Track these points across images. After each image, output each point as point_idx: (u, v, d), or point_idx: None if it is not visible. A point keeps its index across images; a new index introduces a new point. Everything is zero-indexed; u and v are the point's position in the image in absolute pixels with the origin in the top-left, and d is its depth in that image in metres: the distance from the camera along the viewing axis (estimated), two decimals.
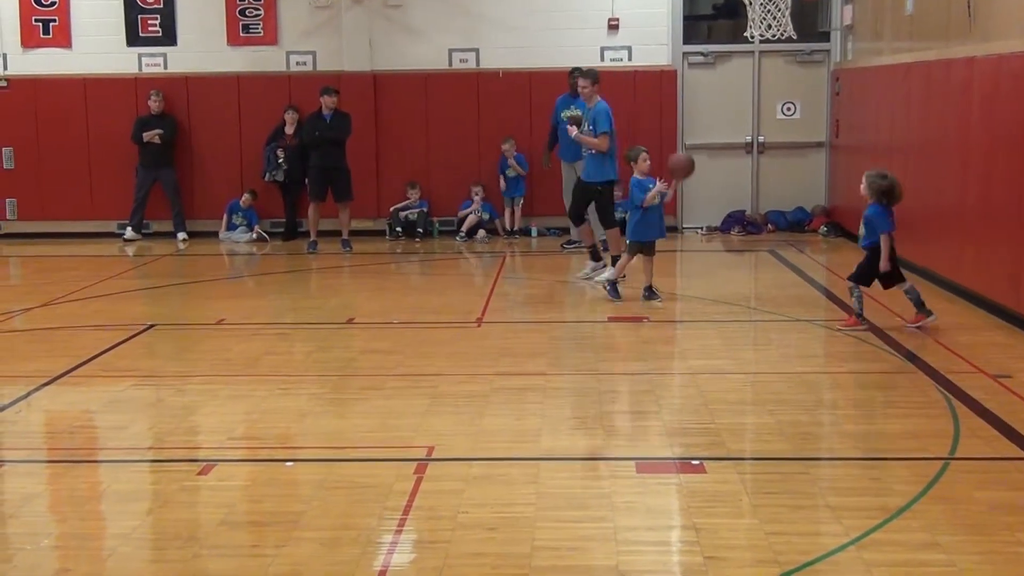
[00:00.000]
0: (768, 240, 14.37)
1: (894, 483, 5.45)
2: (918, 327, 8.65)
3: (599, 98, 11.12)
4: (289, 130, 14.60)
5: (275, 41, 15.16)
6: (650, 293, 10.11)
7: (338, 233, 13.98)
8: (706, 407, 6.78)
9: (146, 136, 14.66)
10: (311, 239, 13.95)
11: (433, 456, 5.90)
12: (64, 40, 15.23)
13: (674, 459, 5.85)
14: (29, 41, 15.23)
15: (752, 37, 13.40)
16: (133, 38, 15.18)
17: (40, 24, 15.18)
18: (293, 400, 7.20)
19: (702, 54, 15.15)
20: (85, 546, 4.88)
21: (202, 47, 15.15)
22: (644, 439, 6.33)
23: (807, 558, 4.56)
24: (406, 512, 5.09)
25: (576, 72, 12.35)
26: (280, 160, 14.53)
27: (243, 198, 14.82)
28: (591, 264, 11.43)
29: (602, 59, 14.92)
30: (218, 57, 15.12)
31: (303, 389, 7.45)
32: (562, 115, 13.19)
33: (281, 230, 14.92)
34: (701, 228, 15.17)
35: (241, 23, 15.09)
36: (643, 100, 14.84)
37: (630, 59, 15.00)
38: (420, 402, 6.96)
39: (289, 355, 8.62)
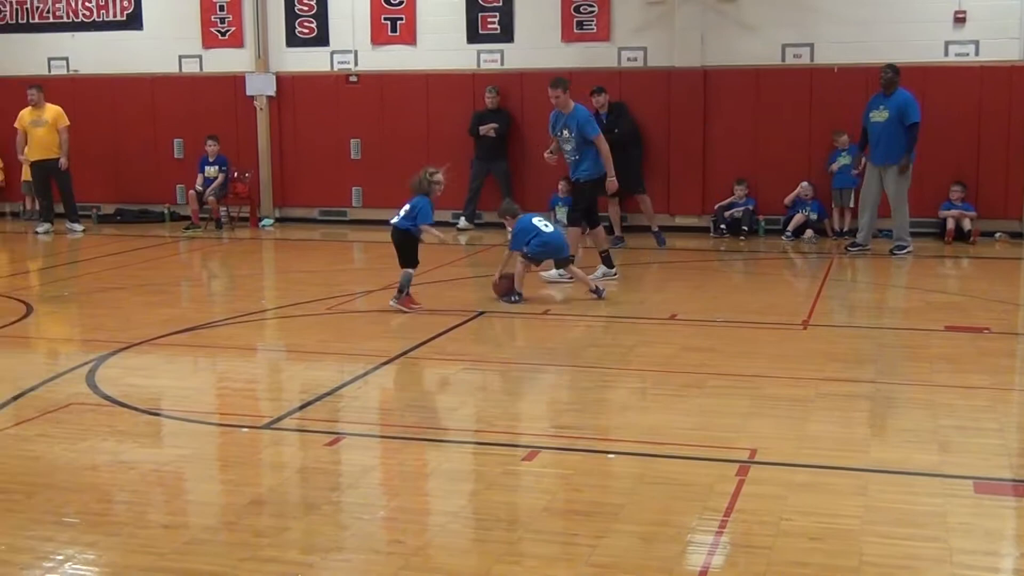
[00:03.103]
0: None
1: None
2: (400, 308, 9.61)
3: (573, 104, 11.08)
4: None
5: (607, 37, 15.34)
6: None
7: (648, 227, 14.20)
8: None
9: (482, 130, 15.21)
10: (615, 235, 14.01)
11: (755, 459, 5.79)
12: (410, 38, 16.03)
13: (1017, 481, 5.47)
14: (378, 38, 16.14)
15: None
16: (473, 35, 15.78)
17: (388, 22, 16.06)
18: (614, 392, 7.28)
19: None
20: (416, 520, 5.09)
21: (537, 44, 15.53)
22: (983, 458, 5.93)
23: None
24: (727, 514, 5.01)
25: (887, 69, 12.68)
26: None
27: (559, 187, 15.16)
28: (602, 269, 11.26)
29: (946, 54, 14.22)
30: (552, 53, 15.45)
31: (624, 382, 7.52)
32: (870, 116, 12.96)
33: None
34: None
35: (575, 20, 15.37)
36: (990, 98, 14.01)
37: (977, 54, 14.17)
38: (741, 403, 6.85)
39: (612, 348, 8.69)
